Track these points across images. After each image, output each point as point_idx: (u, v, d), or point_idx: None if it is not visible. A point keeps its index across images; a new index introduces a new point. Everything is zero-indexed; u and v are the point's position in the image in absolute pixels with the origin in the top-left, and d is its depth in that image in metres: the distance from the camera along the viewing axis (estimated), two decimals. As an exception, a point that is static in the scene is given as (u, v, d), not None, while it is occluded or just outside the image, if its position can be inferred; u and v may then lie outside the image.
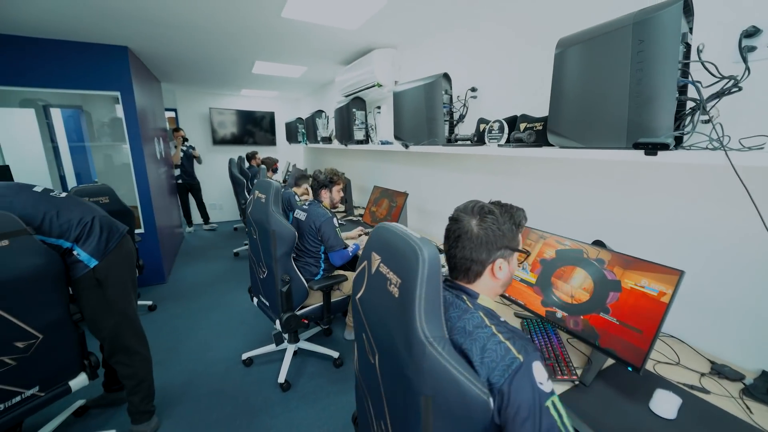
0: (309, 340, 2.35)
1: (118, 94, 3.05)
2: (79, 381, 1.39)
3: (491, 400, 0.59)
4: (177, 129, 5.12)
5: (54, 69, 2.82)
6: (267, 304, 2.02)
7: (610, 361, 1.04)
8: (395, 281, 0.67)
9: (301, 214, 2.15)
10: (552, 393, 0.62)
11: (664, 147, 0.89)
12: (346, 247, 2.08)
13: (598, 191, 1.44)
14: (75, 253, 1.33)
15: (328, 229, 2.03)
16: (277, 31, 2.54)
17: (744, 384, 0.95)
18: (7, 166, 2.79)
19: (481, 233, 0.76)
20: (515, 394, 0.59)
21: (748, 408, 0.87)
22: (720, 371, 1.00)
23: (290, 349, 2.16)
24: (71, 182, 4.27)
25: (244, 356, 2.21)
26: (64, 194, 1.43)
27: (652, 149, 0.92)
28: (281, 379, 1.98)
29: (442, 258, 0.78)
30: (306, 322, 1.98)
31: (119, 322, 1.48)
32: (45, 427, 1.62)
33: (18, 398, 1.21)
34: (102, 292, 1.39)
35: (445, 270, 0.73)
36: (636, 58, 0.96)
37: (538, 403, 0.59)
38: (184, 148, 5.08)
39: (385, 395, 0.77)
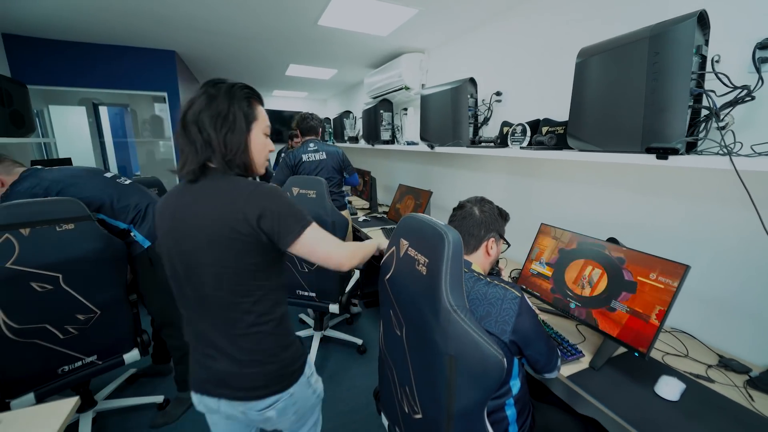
0: (333, 328, 2.50)
1: (165, 94, 3.32)
2: (132, 355, 1.57)
3: (504, 360, 0.71)
4: None
5: (110, 71, 3.11)
6: (313, 295, 2.07)
7: (620, 350, 1.12)
8: (423, 261, 0.79)
9: (318, 155, 2.45)
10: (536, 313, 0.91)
11: (674, 152, 0.97)
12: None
13: (613, 192, 1.50)
14: (132, 234, 1.53)
15: (346, 156, 2.53)
16: (312, 37, 2.71)
17: (750, 376, 1.01)
18: (69, 159, 3.10)
19: (481, 216, 1.03)
20: (525, 320, 0.84)
21: (750, 396, 0.93)
22: (727, 364, 1.05)
23: (317, 336, 2.32)
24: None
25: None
26: (128, 181, 1.64)
27: (663, 153, 0.99)
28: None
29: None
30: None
31: (167, 299, 1.67)
32: (104, 389, 1.87)
33: (79, 363, 1.40)
34: (154, 271, 1.56)
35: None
36: (651, 69, 1.04)
37: (536, 320, 0.89)
38: None
39: (411, 361, 0.89)
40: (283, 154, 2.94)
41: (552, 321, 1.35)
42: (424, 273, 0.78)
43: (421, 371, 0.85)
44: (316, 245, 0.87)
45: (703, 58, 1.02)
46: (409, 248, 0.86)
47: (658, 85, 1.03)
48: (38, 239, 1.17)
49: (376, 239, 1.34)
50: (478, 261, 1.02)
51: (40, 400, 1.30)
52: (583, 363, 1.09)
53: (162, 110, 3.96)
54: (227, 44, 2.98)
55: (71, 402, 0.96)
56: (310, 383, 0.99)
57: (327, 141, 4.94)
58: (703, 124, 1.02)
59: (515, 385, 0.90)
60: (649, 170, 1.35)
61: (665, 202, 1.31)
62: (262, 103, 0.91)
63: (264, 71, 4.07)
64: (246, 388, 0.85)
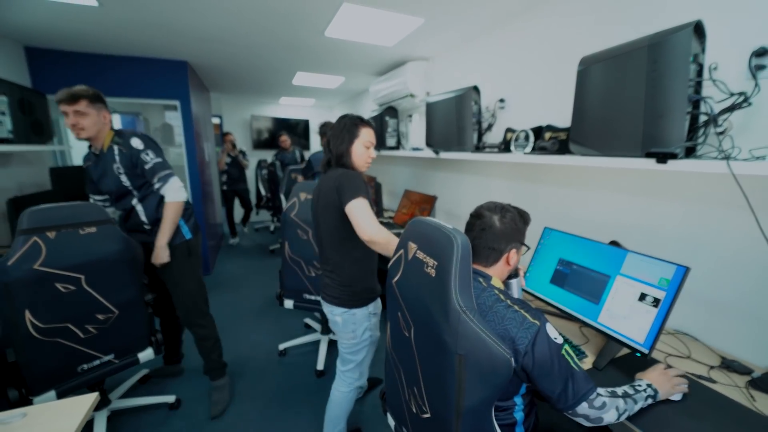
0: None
1: (177, 102, 3.42)
2: (146, 354, 1.63)
3: (512, 358, 0.74)
4: (226, 133, 4.97)
5: (125, 80, 3.22)
6: (320, 299, 2.00)
7: (623, 351, 1.14)
8: (432, 264, 0.83)
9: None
10: (563, 343, 0.81)
11: (673, 156, 1.00)
12: None
13: (614, 196, 1.53)
14: (179, 224, 1.74)
15: None
16: (319, 47, 2.78)
17: (752, 377, 1.02)
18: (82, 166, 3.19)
19: (502, 227, 0.94)
20: (539, 353, 0.77)
21: (752, 396, 0.95)
22: (729, 365, 1.07)
23: (324, 340, 2.35)
24: (130, 181, 4.72)
25: (281, 347, 2.41)
26: None
27: (662, 158, 1.02)
28: (320, 366, 2.17)
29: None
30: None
31: (197, 287, 1.83)
32: (118, 388, 1.91)
33: (97, 362, 1.46)
34: (190, 260, 1.78)
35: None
36: (650, 76, 1.07)
37: (557, 354, 0.79)
38: (233, 155, 4.89)
39: (420, 362, 0.92)
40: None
41: (556, 323, 1.37)
42: (433, 275, 0.82)
43: (429, 371, 0.88)
44: (358, 214, 1.21)
45: (701, 65, 1.05)
46: (418, 251, 0.89)
47: (657, 92, 1.06)
48: (63, 242, 1.24)
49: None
50: (498, 272, 0.98)
51: (60, 397, 1.35)
52: (587, 363, 1.11)
53: (172, 118, 4.07)
54: (236, 54, 3.07)
55: (91, 397, 1.01)
56: (370, 318, 1.39)
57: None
58: (702, 130, 1.05)
59: (520, 401, 0.92)
60: (650, 174, 1.38)
61: (666, 205, 1.34)
62: (369, 126, 1.36)
63: (271, 79, 4.17)
64: (331, 296, 1.37)
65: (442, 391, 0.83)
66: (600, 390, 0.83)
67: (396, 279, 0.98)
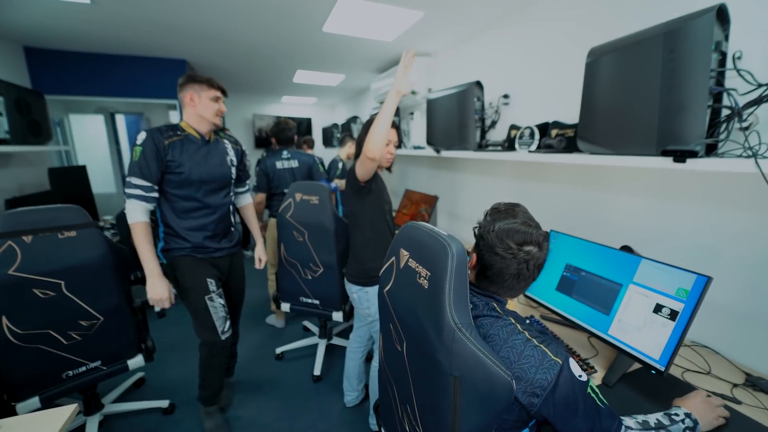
0: (339, 336, 2.47)
1: (173, 101, 3.38)
2: (136, 361, 1.58)
3: (513, 381, 0.65)
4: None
5: (124, 80, 3.19)
6: (317, 303, 2.05)
7: (636, 365, 1.05)
8: (425, 274, 0.75)
9: (291, 162, 2.61)
10: (588, 381, 0.71)
11: (693, 154, 0.91)
12: None
13: (626, 197, 1.43)
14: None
15: (317, 164, 2.77)
16: (317, 44, 2.71)
17: (781, 397, 0.93)
18: (84, 166, 3.17)
19: (523, 263, 0.79)
20: (561, 396, 0.68)
21: (782, 420, 0.86)
22: (755, 383, 0.98)
23: (322, 344, 2.29)
24: (132, 181, 4.73)
25: (278, 350, 2.35)
26: None
27: (680, 156, 0.93)
28: (317, 371, 2.11)
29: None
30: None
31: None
32: (112, 392, 1.88)
33: (83, 368, 1.42)
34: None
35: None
36: (667, 66, 0.98)
37: (582, 394, 0.69)
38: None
39: (413, 379, 0.84)
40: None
41: (562, 332, 1.29)
42: (426, 287, 0.74)
43: (423, 391, 0.80)
44: (358, 161, 1.40)
45: (724, 54, 0.96)
46: (410, 259, 0.82)
47: (674, 84, 0.97)
48: (40, 246, 1.19)
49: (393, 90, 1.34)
50: (513, 294, 0.88)
51: (45, 403, 1.32)
52: (596, 379, 1.03)
53: (176, 118, 4.04)
54: (234, 52, 3.01)
55: (69, 409, 0.96)
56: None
57: (335, 146, 4.96)
58: (725, 125, 0.96)
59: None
60: (666, 174, 1.28)
61: (684, 208, 1.24)
62: (392, 125, 1.43)
63: (272, 78, 4.11)
64: (349, 274, 1.59)
65: (435, 414, 0.76)
66: (629, 422, 0.74)
67: (387, 288, 0.91)
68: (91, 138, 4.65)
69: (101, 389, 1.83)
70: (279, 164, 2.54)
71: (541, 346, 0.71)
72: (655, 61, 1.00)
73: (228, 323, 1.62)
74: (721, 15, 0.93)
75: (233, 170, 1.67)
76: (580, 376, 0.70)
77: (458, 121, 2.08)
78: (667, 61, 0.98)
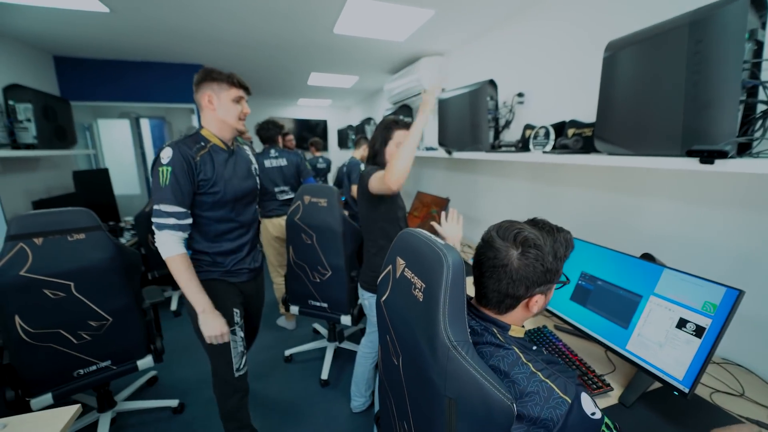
0: (349, 339, 2.44)
1: (193, 106, 3.47)
2: (145, 362, 1.59)
3: (514, 405, 0.60)
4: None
5: (144, 85, 3.29)
6: (325, 305, 2.03)
7: (655, 384, 0.96)
8: (420, 286, 0.70)
9: (278, 161, 2.59)
10: (603, 417, 0.64)
11: (722, 155, 0.82)
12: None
13: (648, 201, 1.33)
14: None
15: (304, 162, 2.72)
16: (330, 46, 2.71)
17: (826, 427, 0.83)
18: (106, 169, 3.30)
19: (522, 270, 0.68)
20: None
21: (827, 454, 0.76)
22: (796, 409, 0.87)
23: (330, 347, 2.27)
24: (155, 183, 4.91)
25: (287, 352, 2.35)
26: None
27: (707, 157, 0.85)
28: (324, 375, 2.09)
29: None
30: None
31: None
32: (125, 390, 1.92)
33: (93, 367, 1.45)
34: None
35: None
36: (693, 59, 0.90)
37: None
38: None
39: (409, 396, 0.80)
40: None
41: (577, 344, 1.21)
42: (421, 299, 0.69)
43: (419, 409, 0.76)
44: (375, 175, 1.35)
45: (759, 44, 0.87)
46: (406, 269, 0.77)
47: (701, 78, 0.89)
48: (51, 248, 1.22)
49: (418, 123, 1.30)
50: (516, 319, 0.75)
51: (57, 400, 1.35)
52: (612, 398, 0.95)
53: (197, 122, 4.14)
54: (250, 56, 3.05)
55: (72, 409, 0.98)
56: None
57: (350, 148, 4.96)
58: (760, 122, 0.86)
59: None
60: (692, 176, 1.18)
61: (712, 213, 1.14)
62: (405, 128, 1.45)
63: (287, 81, 4.15)
64: (362, 280, 1.58)
65: (431, 435, 0.71)
66: None
67: (384, 298, 0.87)
68: (117, 141, 4.85)
69: (115, 386, 1.88)
70: (267, 163, 2.55)
71: (548, 381, 0.63)
72: (680, 54, 0.92)
73: (244, 360, 1.40)
74: (757, 0, 0.84)
75: (258, 180, 1.47)
76: (593, 414, 0.63)
77: (470, 121, 2.01)
78: (693, 53, 0.90)
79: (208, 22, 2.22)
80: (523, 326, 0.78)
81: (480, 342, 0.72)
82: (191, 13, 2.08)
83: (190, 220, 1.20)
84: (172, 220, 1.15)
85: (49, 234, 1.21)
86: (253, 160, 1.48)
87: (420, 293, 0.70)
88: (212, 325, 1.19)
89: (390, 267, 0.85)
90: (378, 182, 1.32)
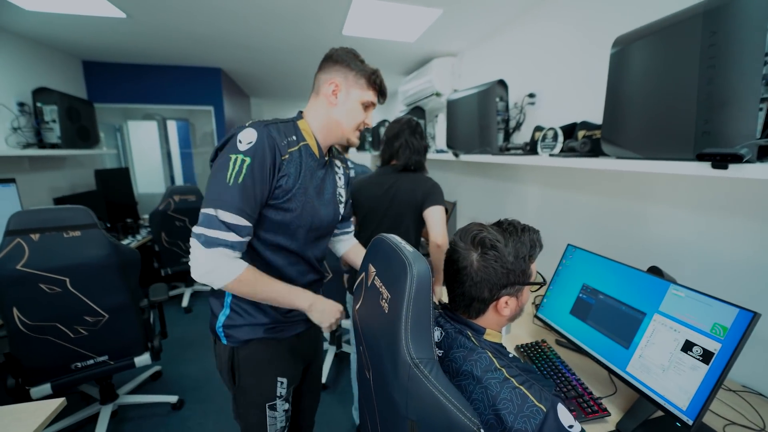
0: (348, 343, 2.41)
1: (211, 108, 3.57)
2: (143, 359, 1.62)
3: (481, 430, 0.54)
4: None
5: (163, 88, 3.43)
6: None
7: (658, 411, 0.87)
8: (386, 296, 0.65)
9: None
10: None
11: (737, 159, 0.73)
12: None
13: (661, 209, 1.22)
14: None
15: None
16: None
17: None
18: (127, 168, 3.45)
19: (482, 272, 0.66)
20: None
21: None
22: (825, 452, 0.76)
23: (331, 351, 2.24)
24: (179, 182, 5.12)
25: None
26: None
27: (720, 161, 0.76)
28: (323, 379, 2.06)
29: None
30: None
31: None
32: (128, 383, 1.97)
33: (91, 361, 1.48)
34: None
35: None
36: (706, 53, 0.81)
37: None
38: None
39: (379, 413, 0.75)
40: None
41: (578, 362, 1.12)
42: (386, 311, 0.64)
43: (386, 428, 0.71)
44: (438, 218, 1.43)
45: (784, 34, 0.77)
46: (376, 277, 0.73)
47: (715, 74, 0.80)
48: (47, 244, 1.26)
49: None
50: (492, 323, 0.72)
51: (58, 390, 1.40)
52: (609, 424, 0.87)
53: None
54: (263, 58, 3.11)
55: (55, 403, 1.00)
56: None
57: (367, 150, 4.94)
58: (784, 122, 0.77)
59: None
60: (707, 183, 1.07)
61: (728, 224, 1.02)
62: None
63: (302, 83, 4.21)
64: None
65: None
66: None
67: (357, 307, 0.82)
68: (145, 142, 5.08)
69: (119, 379, 1.94)
70: None
71: (521, 387, 0.59)
72: (692, 47, 0.83)
73: None
74: (781, -15, 0.74)
75: (341, 208, 1.06)
76: (570, 426, 0.57)
77: (478, 122, 1.95)
78: (707, 46, 0.81)
79: (219, 27, 2.28)
80: (500, 332, 0.74)
81: (453, 346, 0.68)
82: (204, 18, 2.13)
83: (249, 238, 0.84)
84: (232, 237, 0.78)
85: (45, 230, 1.25)
86: (342, 182, 1.07)
87: (386, 304, 0.65)
88: (328, 314, 0.93)
89: (363, 275, 0.81)
90: (435, 229, 1.39)
